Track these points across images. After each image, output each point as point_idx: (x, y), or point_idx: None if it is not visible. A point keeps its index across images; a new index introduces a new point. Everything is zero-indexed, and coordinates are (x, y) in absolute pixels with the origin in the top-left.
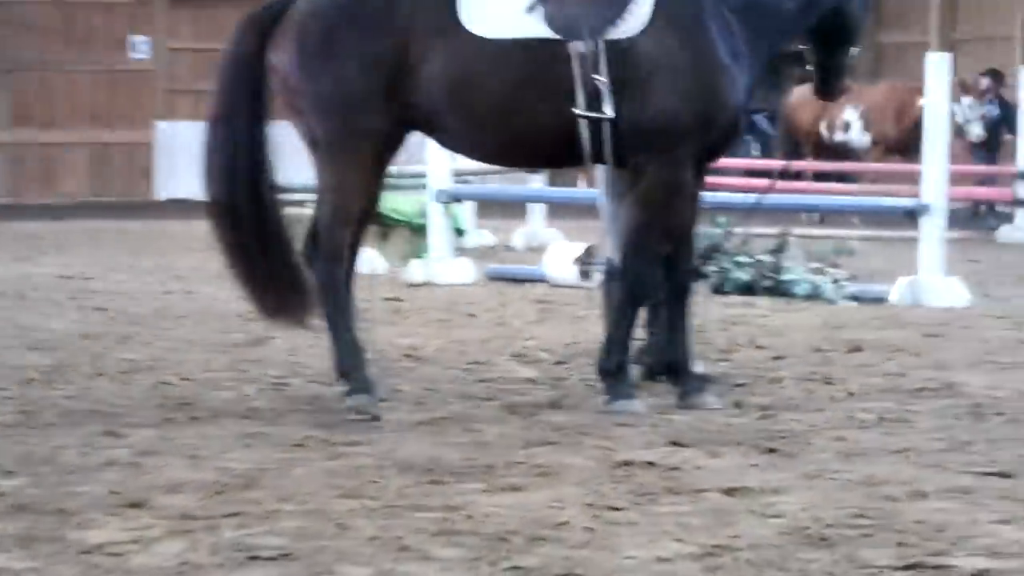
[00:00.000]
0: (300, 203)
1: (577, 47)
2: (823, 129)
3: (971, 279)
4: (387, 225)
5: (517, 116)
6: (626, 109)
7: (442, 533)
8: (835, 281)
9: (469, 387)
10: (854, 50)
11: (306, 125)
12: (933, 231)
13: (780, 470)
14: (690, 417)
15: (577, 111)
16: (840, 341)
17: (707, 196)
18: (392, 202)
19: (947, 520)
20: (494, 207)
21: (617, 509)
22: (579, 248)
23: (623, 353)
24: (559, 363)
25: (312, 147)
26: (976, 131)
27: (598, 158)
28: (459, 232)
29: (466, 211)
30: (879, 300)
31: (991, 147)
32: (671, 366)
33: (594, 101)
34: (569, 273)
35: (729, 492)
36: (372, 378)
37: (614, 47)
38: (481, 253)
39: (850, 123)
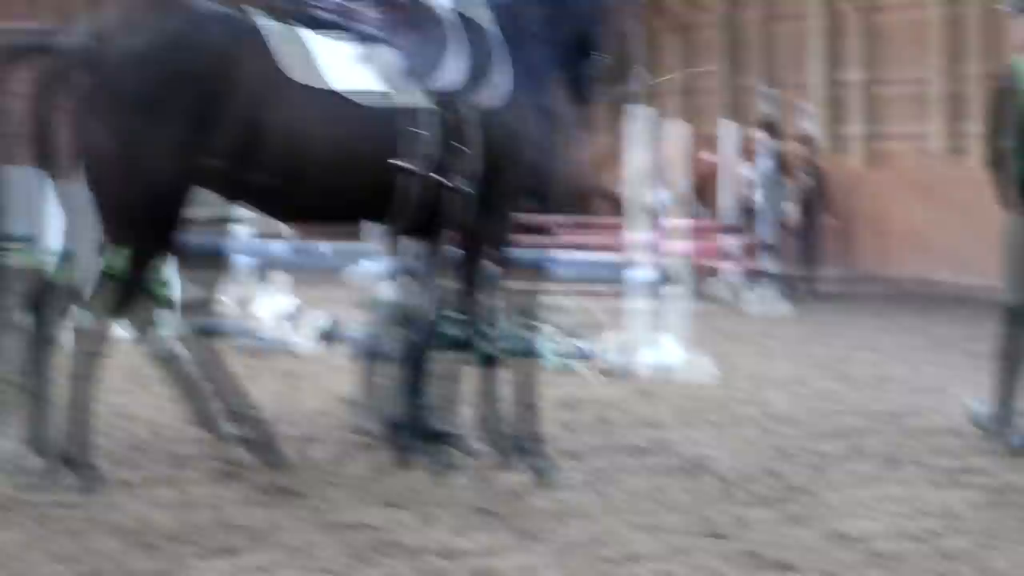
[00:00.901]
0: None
1: (417, 102)
2: (615, 184)
3: (685, 337)
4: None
5: (348, 172)
6: (466, 171)
7: None
8: (551, 339)
9: (182, 447)
10: (598, 60)
11: (81, 177)
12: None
13: (496, 531)
14: (404, 477)
15: (415, 168)
16: (553, 399)
17: None
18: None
19: None
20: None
21: (331, 572)
22: (291, 304)
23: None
24: (271, 422)
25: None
26: (757, 197)
27: (415, 219)
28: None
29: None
30: (592, 358)
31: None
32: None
33: (430, 161)
34: (281, 331)
35: (445, 554)
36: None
37: (451, 105)
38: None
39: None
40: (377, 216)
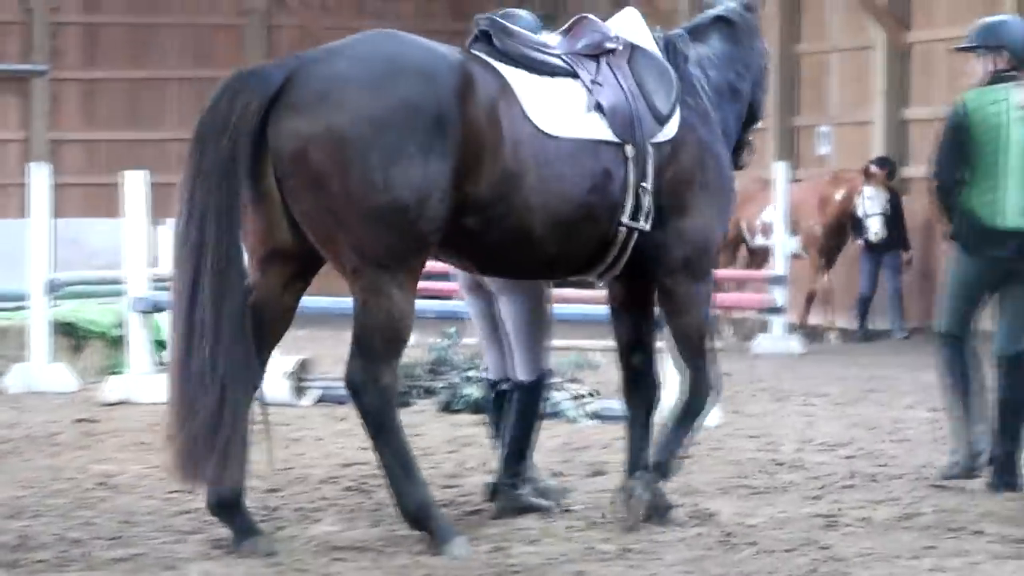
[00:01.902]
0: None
1: (629, 151)
2: (744, 232)
3: (723, 394)
4: (80, 337)
5: (581, 223)
6: (667, 218)
7: None
8: (575, 397)
9: (170, 520)
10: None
11: (328, 235)
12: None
13: None
14: (414, 551)
15: (630, 222)
16: (581, 464)
17: (436, 306)
18: (86, 312)
19: None
20: None
21: None
22: (292, 362)
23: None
24: (271, 491)
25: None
26: (875, 228)
27: (610, 270)
28: (160, 345)
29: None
30: (624, 418)
31: (888, 245)
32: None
33: (638, 209)
34: (282, 390)
35: None
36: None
37: (658, 151)
38: None
39: (771, 225)
40: (588, 267)
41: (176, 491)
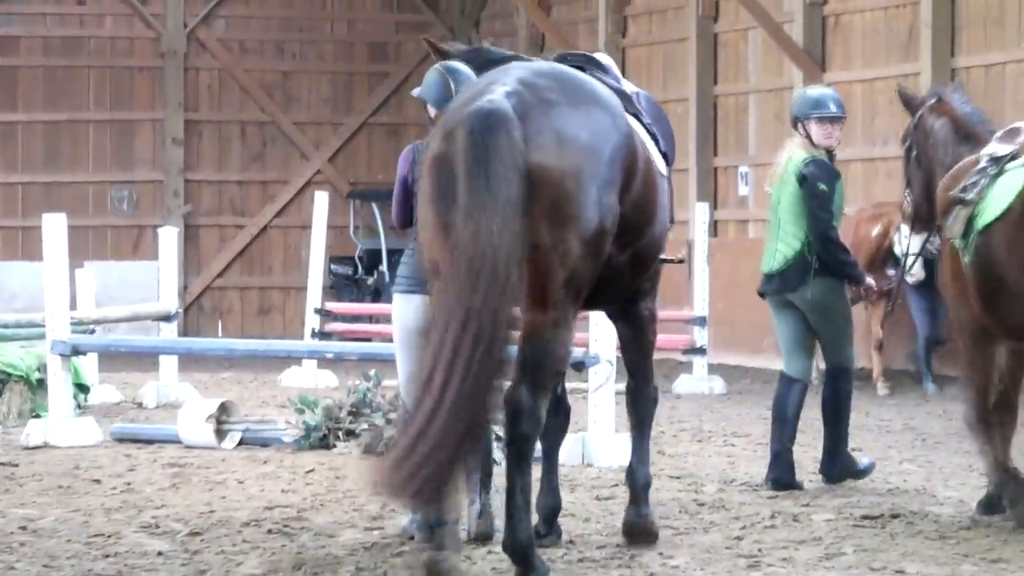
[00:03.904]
0: None
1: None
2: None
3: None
4: (0, 381)
5: (661, 245)
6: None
7: None
8: (496, 437)
9: (93, 563)
10: None
11: (549, 269)
12: (600, 384)
13: None
14: None
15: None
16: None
17: (357, 348)
18: (6, 355)
19: None
20: (121, 360)
21: None
22: (213, 405)
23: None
24: (194, 534)
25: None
26: (915, 268)
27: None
28: (81, 388)
29: (89, 364)
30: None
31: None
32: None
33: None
34: (204, 433)
35: None
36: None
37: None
38: (106, 411)
39: None
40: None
41: (97, 535)
